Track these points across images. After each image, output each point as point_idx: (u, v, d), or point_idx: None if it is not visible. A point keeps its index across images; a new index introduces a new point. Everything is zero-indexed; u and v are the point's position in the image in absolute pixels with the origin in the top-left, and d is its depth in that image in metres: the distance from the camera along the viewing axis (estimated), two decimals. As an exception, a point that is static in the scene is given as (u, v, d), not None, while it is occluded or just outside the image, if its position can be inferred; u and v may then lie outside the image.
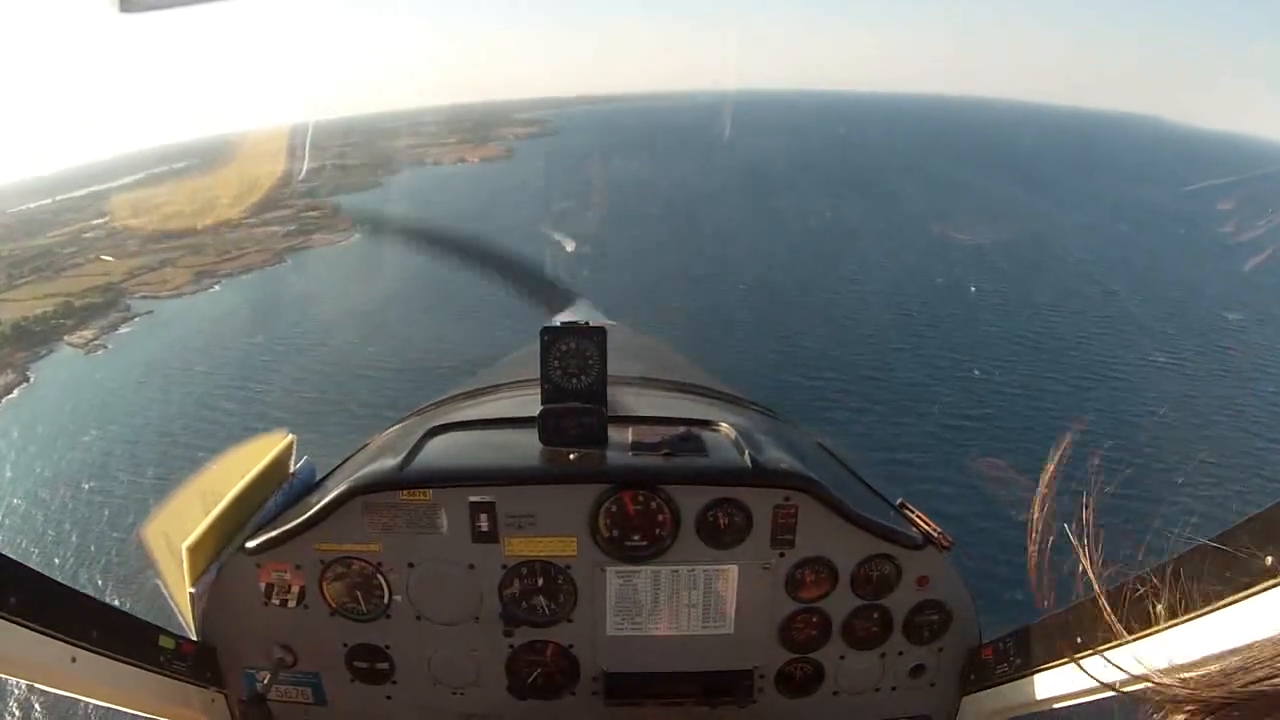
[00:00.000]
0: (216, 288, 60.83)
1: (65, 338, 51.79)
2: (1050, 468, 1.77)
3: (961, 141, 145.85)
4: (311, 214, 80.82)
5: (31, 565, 1.91)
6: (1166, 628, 1.71)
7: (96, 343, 50.46)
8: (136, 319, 54.83)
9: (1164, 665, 1.55)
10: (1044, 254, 60.91)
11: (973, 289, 51.40)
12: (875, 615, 2.70)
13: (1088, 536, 1.47)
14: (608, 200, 71.72)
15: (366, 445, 3.14)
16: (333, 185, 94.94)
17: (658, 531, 2.54)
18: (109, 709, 2.23)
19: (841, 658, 2.77)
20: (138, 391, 40.15)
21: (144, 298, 59.84)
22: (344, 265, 62.89)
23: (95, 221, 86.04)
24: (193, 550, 2.42)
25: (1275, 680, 0.64)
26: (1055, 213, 75.80)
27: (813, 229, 67.44)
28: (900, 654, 2.77)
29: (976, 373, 37.21)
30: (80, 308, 57.35)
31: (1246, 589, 1.48)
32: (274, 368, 40.74)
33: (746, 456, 2.54)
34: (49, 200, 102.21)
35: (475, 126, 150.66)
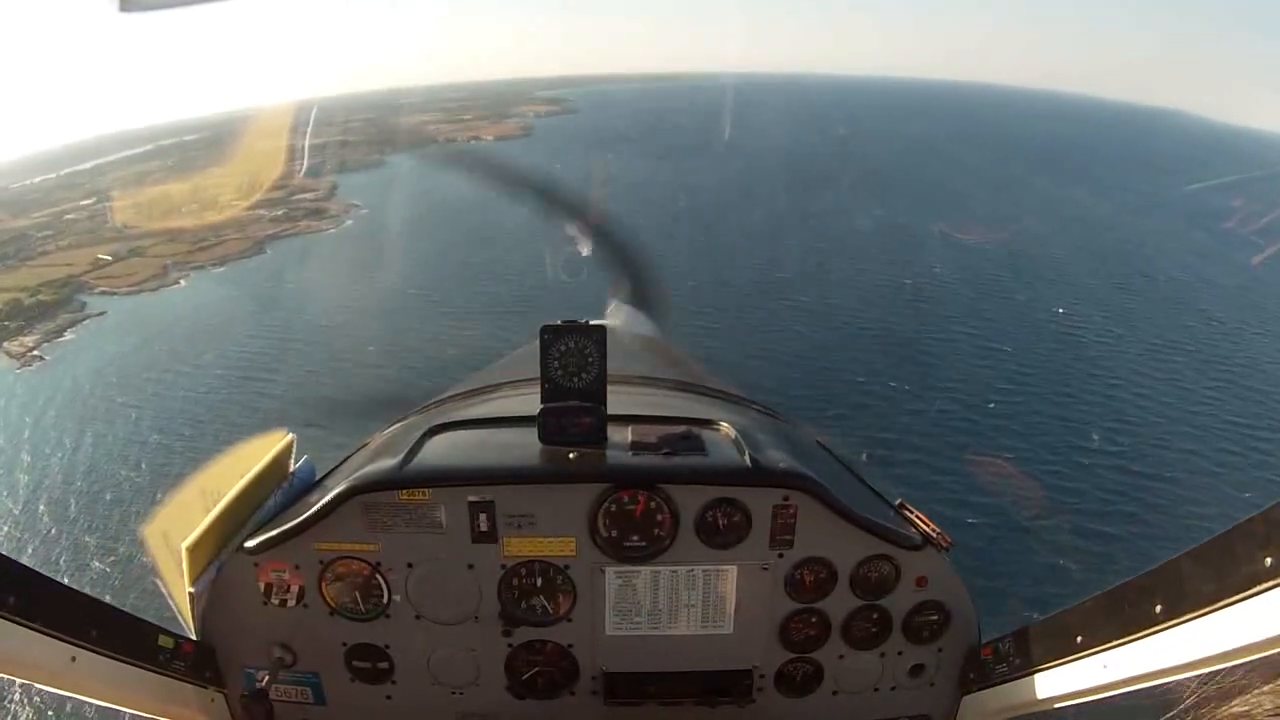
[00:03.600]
0: (182, 283, 54.14)
1: (4, 344, 47.71)
2: None
3: (998, 133, 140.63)
4: (305, 196, 74.06)
5: (31, 565, 1.89)
6: (1166, 628, 1.71)
7: (34, 353, 46.12)
8: (87, 321, 50.77)
9: (1164, 665, 1.68)
10: (1127, 267, 55.71)
11: (1059, 310, 46.20)
12: (874, 615, 2.67)
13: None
14: (625, 192, 64.36)
15: (366, 444, 3.08)
16: (334, 163, 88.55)
17: (657, 531, 2.51)
18: (109, 709, 2.21)
19: (841, 658, 2.74)
20: (35, 433, 34.81)
21: (102, 293, 55.82)
22: (325, 261, 55.30)
23: (83, 202, 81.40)
24: (192, 550, 2.38)
25: (1275, 680, 0.62)
26: (1128, 219, 71.06)
27: (869, 232, 59.21)
28: (900, 654, 2.74)
29: (1095, 438, 31.21)
30: (29, 306, 54.74)
31: (1246, 589, 1.47)
32: (198, 414, 33.17)
33: (746, 456, 2.51)
34: (53, 175, 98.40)
35: (494, 103, 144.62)
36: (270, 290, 50.70)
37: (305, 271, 54.15)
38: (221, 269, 58.36)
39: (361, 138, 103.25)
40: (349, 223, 67.38)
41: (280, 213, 69.88)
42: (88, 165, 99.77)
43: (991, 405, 32.67)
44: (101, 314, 51.00)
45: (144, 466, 30.19)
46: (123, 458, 31.33)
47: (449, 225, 62.36)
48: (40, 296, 53.85)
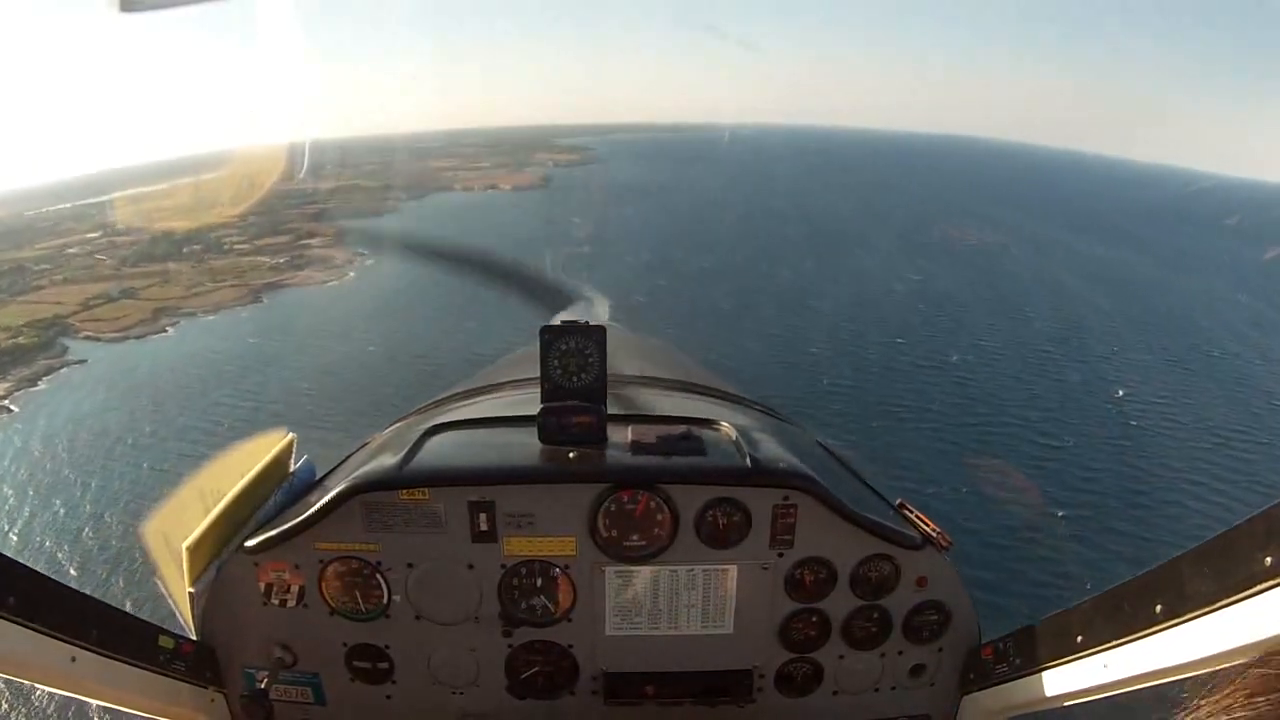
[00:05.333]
0: (170, 330, 51.78)
1: (-23, 391, 45.02)
2: None
3: (1006, 188, 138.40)
4: (310, 242, 71.73)
5: (31, 565, 1.87)
6: (1166, 628, 1.70)
7: (3, 403, 43.61)
8: (64, 370, 48.69)
9: (1164, 665, 1.69)
10: (1181, 339, 52.14)
11: (1119, 393, 41.60)
12: (874, 615, 2.67)
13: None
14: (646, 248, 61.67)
15: (366, 444, 3.07)
16: (347, 208, 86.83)
17: (657, 531, 2.51)
18: (109, 709, 2.20)
19: (841, 658, 2.73)
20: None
21: (87, 338, 53.89)
22: (319, 317, 52.06)
23: (89, 235, 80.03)
24: (192, 550, 2.39)
25: (1275, 681, 0.64)
26: (1169, 279, 68.58)
27: (902, 296, 55.76)
28: (900, 654, 2.74)
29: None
30: (8, 349, 51.62)
31: (1246, 589, 1.47)
32: (144, 497, 29.48)
33: (746, 456, 2.51)
34: (68, 205, 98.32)
35: (514, 150, 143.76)
36: (256, 346, 47.56)
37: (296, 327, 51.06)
38: (213, 317, 55.68)
39: (377, 182, 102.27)
40: (351, 274, 64.57)
41: (282, 260, 67.48)
42: (103, 198, 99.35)
43: (1062, 516, 28.29)
44: (81, 361, 48.72)
45: (75, 558, 27.13)
46: (51, 556, 27.89)
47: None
48: (21, 339, 52.50)
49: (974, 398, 39.80)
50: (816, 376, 40.22)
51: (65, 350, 50.66)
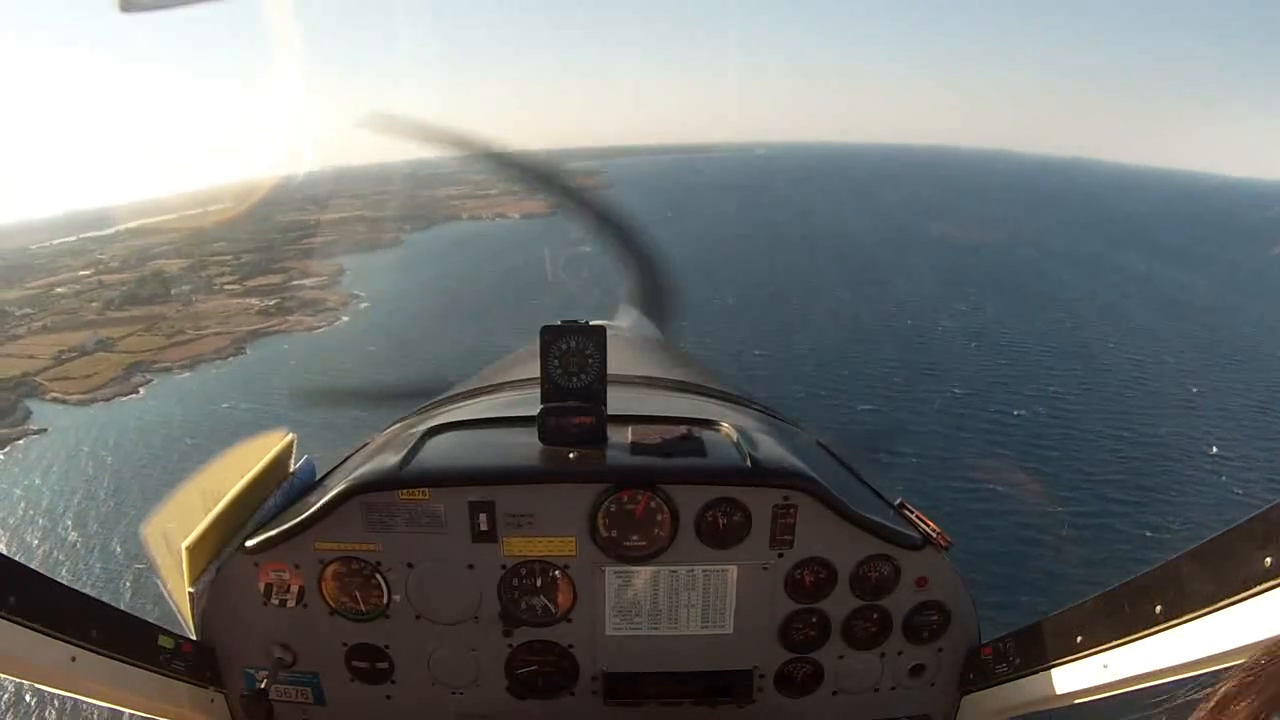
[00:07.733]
0: (141, 391, 47.77)
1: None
2: None
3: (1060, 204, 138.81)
4: (305, 283, 67.75)
5: (31, 565, 1.87)
6: (1166, 628, 1.70)
7: None
8: (21, 441, 45.13)
9: (1164, 665, 1.70)
10: (1262, 375, 48.04)
11: (1214, 449, 37.11)
12: (874, 615, 2.64)
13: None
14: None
15: (366, 444, 3.04)
16: (348, 241, 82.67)
17: (657, 531, 2.49)
18: (109, 709, 2.18)
19: (841, 658, 2.70)
20: None
21: (53, 399, 51.08)
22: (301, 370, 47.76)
23: (81, 273, 76.96)
24: (192, 550, 2.37)
25: (1274, 680, 0.65)
26: (1231, 301, 65.70)
27: (958, 334, 50.76)
28: (900, 654, 2.70)
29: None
30: None
31: (1246, 589, 1.48)
32: None
33: (746, 456, 2.50)
34: (73, 238, 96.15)
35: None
36: (227, 413, 42.97)
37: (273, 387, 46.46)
38: (188, 374, 51.33)
39: (382, 213, 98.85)
40: (344, 319, 59.97)
41: (272, 303, 63.09)
42: (108, 231, 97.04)
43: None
44: (41, 431, 45.85)
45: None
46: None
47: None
48: (-17, 403, 48.13)
49: (1055, 473, 33.90)
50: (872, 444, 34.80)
51: (28, 415, 48.12)
